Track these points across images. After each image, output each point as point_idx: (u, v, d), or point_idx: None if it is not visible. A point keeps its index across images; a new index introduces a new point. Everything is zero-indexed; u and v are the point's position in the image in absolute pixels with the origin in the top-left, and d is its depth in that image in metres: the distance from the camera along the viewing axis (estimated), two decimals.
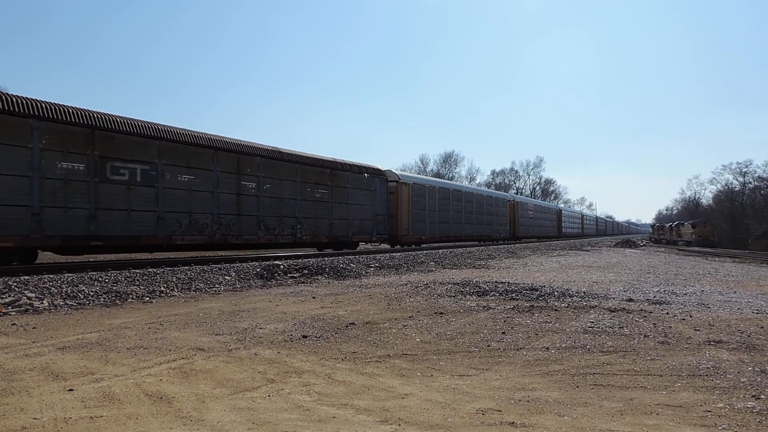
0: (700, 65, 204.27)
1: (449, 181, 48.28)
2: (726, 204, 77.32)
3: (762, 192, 70.12)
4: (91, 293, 8.11)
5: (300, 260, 13.69)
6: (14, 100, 11.56)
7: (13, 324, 6.00)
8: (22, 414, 3.10)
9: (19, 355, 4.53)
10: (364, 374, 4.16)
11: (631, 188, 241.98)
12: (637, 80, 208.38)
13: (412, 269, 14.33)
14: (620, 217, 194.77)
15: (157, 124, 14.80)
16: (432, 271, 14.12)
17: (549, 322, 6.24)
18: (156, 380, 3.84)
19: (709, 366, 4.29)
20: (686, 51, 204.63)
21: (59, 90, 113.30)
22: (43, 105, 12.02)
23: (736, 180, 77.97)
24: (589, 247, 34.09)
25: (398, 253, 18.82)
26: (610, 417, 3.16)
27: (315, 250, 20.63)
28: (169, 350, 4.80)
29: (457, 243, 32.65)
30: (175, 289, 9.13)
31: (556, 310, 7.12)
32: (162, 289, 9.02)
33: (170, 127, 15.19)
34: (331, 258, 15.85)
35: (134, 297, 8.26)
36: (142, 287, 8.96)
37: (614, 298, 8.33)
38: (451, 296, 8.43)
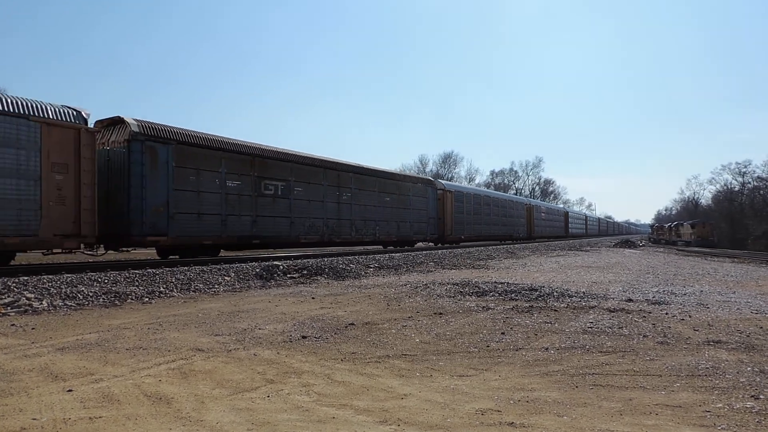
0: (699, 65, 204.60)
1: (481, 188, 56.85)
2: (725, 204, 77.39)
3: (761, 192, 70.19)
4: (91, 294, 8.10)
5: (299, 261, 13.69)
6: (212, 138, 16.12)
7: (13, 324, 5.99)
8: (21, 414, 3.10)
9: (19, 356, 4.53)
10: (363, 375, 4.16)
11: (630, 188, 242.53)
12: (636, 80, 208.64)
13: (411, 270, 14.33)
14: (619, 217, 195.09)
15: (289, 151, 19.27)
16: (431, 271, 14.12)
17: (548, 323, 6.24)
18: (155, 381, 3.84)
19: (708, 366, 4.29)
20: (685, 51, 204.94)
21: (49, 85, 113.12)
22: (226, 141, 16.50)
23: (735, 180, 78.10)
24: (588, 248, 34.12)
25: (397, 254, 18.85)
26: (609, 417, 3.16)
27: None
28: (169, 351, 4.80)
29: (487, 242, 37.43)
30: (175, 290, 9.13)
31: (555, 310, 7.12)
32: (161, 289, 9.02)
33: (297, 152, 19.83)
34: (330, 258, 15.86)
35: (133, 297, 8.26)
36: (141, 288, 8.95)
37: (613, 299, 8.33)
38: (450, 297, 8.43)
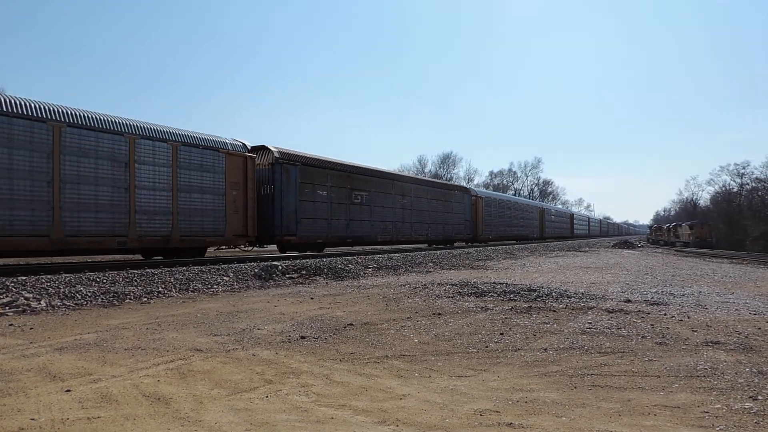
0: (699, 65, 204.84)
1: (504, 194, 64.14)
2: (723, 205, 77.47)
3: (759, 193, 70.28)
4: (89, 294, 8.10)
5: (298, 261, 13.69)
6: (322, 159, 20.71)
7: (11, 324, 5.99)
8: (19, 415, 3.10)
9: (17, 356, 4.53)
10: (362, 375, 4.16)
11: (629, 189, 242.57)
12: (636, 80, 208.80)
13: (410, 270, 14.33)
14: (618, 218, 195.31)
15: (369, 167, 24.43)
16: (430, 271, 14.12)
17: (547, 323, 6.25)
18: (154, 381, 3.84)
19: (706, 367, 4.29)
20: (685, 51, 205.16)
21: (47, 86, 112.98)
22: (330, 161, 21.20)
23: (734, 181, 78.22)
24: (587, 248, 34.14)
25: (396, 254, 18.87)
26: (608, 418, 3.16)
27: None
28: (167, 351, 4.80)
29: (508, 241, 42.48)
30: (173, 290, 9.12)
31: (554, 311, 7.13)
32: (160, 289, 9.01)
33: (374, 167, 25.23)
34: (329, 258, 15.86)
35: (132, 297, 8.25)
36: (139, 288, 8.94)
37: (612, 299, 8.34)
38: (449, 297, 8.44)
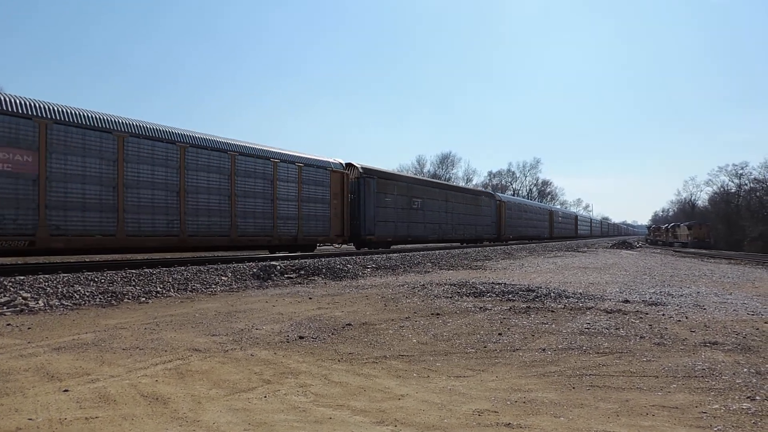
0: (698, 66, 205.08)
1: (521, 199, 69.09)
2: (722, 206, 77.55)
3: (758, 194, 70.34)
4: (87, 293, 8.08)
5: (297, 260, 13.69)
6: (391, 172, 27.26)
7: (9, 324, 5.97)
8: (16, 415, 3.09)
9: (14, 356, 4.52)
10: (360, 375, 4.16)
11: (628, 189, 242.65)
12: (636, 80, 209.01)
13: (408, 270, 14.33)
14: (616, 218, 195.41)
15: (422, 177, 36.43)
16: (429, 272, 14.12)
17: (545, 323, 6.25)
18: (152, 381, 3.84)
19: (704, 367, 4.30)
20: (685, 51, 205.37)
21: (46, 86, 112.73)
22: (397, 174, 27.68)
23: (732, 182, 78.26)
24: (586, 249, 34.16)
25: (395, 254, 18.87)
26: (606, 418, 3.17)
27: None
28: (165, 351, 4.79)
29: (523, 241, 46.66)
30: (172, 290, 9.11)
31: (552, 311, 7.13)
32: (158, 289, 9.00)
33: (425, 178, 37.35)
34: (327, 258, 15.85)
35: (130, 297, 8.24)
36: (138, 287, 8.93)
37: (610, 300, 8.35)
38: (447, 297, 8.44)
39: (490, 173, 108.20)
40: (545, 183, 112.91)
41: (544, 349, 4.99)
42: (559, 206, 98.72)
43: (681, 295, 9.18)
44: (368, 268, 13.95)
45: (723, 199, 78.69)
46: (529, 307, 7.44)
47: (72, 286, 8.42)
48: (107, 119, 12.93)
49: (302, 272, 12.01)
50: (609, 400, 3.53)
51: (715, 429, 2.98)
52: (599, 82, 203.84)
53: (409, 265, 15.50)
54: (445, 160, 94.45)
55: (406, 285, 10.16)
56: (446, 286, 9.66)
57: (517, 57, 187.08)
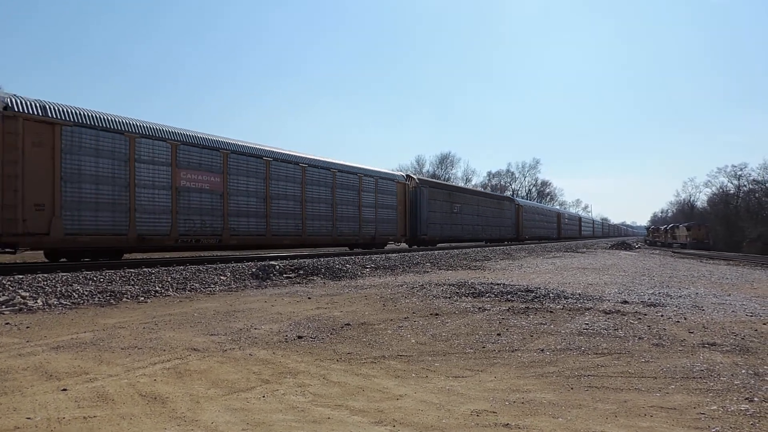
0: (698, 67, 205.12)
1: (535, 202, 75.15)
2: (721, 207, 77.56)
3: (756, 195, 70.41)
4: (86, 293, 8.08)
5: (296, 260, 13.69)
6: (438, 182, 38.71)
7: (7, 323, 5.97)
8: (15, 414, 3.09)
9: (13, 355, 4.52)
10: (359, 375, 4.16)
11: (627, 190, 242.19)
12: (636, 81, 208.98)
13: (407, 270, 14.33)
14: (615, 219, 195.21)
15: (461, 186, 54.40)
16: (427, 272, 14.13)
17: (544, 324, 6.25)
18: (150, 380, 3.83)
19: (702, 368, 4.30)
20: (684, 52, 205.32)
21: (45, 87, 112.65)
22: (442, 183, 40.04)
23: (731, 183, 78.25)
24: (584, 249, 34.18)
25: (394, 254, 18.87)
26: (604, 419, 3.17)
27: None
28: (164, 350, 4.79)
29: (537, 240, 51.16)
30: (170, 289, 9.11)
31: (551, 311, 7.14)
32: (157, 288, 9.00)
33: (462, 186, 58.77)
34: (327, 258, 15.86)
35: (129, 297, 8.24)
36: (137, 287, 8.93)
37: (609, 300, 8.35)
38: (446, 297, 8.44)
39: (489, 173, 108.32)
40: (544, 183, 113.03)
41: (542, 350, 5.00)
42: (558, 206, 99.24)
43: (680, 296, 9.19)
44: (367, 268, 13.95)
45: (722, 201, 78.73)
46: (527, 307, 7.44)
47: (71, 285, 8.41)
48: (259, 149, 18.38)
49: (301, 272, 12.01)
50: (607, 400, 3.53)
51: (713, 430, 2.98)
52: (599, 82, 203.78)
53: (408, 265, 15.50)
54: (445, 161, 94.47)
55: (405, 285, 10.16)
56: (445, 287, 9.66)
57: (516, 57, 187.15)
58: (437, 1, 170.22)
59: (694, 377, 4.07)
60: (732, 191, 78.03)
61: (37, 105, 12.01)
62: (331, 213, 21.25)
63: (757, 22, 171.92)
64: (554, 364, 4.50)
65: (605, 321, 6.44)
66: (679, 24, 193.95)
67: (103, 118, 13.41)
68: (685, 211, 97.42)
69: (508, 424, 3.07)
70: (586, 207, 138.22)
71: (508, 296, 8.53)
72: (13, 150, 11.42)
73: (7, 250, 11.98)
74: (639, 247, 45.42)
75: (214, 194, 16.06)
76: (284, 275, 11.61)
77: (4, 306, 6.96)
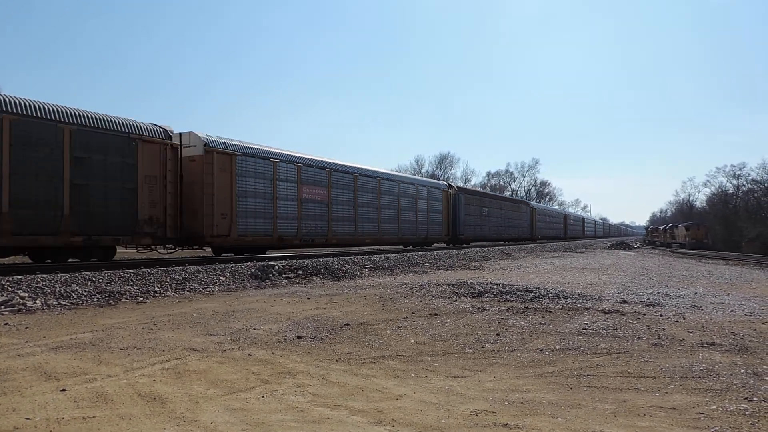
0: (695, 67, 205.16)
1: (546, 205, 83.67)
2: (720, 206, 77.58)
3: (755, 195, 70.43)
4: (85, 293, 8.07)
5: (295, 261, 13.68)
6: (471, 189, 47.95)
7: (6, 324, 5.97)
8: (14, 414, 3.09)
9: (12, 355, 4.51)
10: (358, 375, 4.16)
11: (627, 190, 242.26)
12: (632, 82, 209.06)
13: (406, 270, 14.33)
14: (614, 219, 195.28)
15: (488, 192, 56.74)
16: (427, 272, 14.13)
17: (543, 324, 6.26)
18: (149, 381, 3.83)
19: (702, 368, 4.31)
20: (683, 53, 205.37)
21: (43, 86, 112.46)
22: (471, 189, 46.47)
23: (730, 183, 78.25)
24: (584, 249, 34.21)
25: (393, 254, 18.87)
26: (604, 419, 3.17)
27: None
28: (163, 351, 4.79)
29: (548, 240, 55.87)
30: (169, 290, 9.10)
31: (550, 311, 7.14)
32: (156, 289, 8.99)
33: (490, 193, 56.33)
34: (326, 259, 15.86)
35: (128, 297, 8.24)
36: (135, 287, 8.93)
37: (608, 300, 8.36)
38: (445, 297, 8.44)
39: (488, 173, 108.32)
40: (543, 183, 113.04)
41: (541, 350, 5.00)
42: (557, 206, 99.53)
43: (679, 296, 9.20)
44: (366, 268, 13.95)
45: (721, 200, 78.75)
46: (527, 307, 7.44)
47: (69, 286, 8.41)
48: (349, 166, 23.07)
49: (300, 272, 12.01)
50: (606, 400, 3.53)
51: (713, 430, 2.99)
52: (598, 82, 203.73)
53: (407, 265, 15.50)
54: (444, 161, 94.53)
55: (404, 285, 10.16)
56: (444, 287, 9.67)
57: (516, 57, 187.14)
58: (437, 1, 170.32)
59: (693, 377, 4.07)
60: (731, 191, 78.08)
61: (221, 141, 16.44)
62: (396, 217, 26.25)
63: (757, 22, 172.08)
64: (553, 364, 4.50)
65: (604, 321, 6.44)
66: (678, 24, 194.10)
67: (258, 149, 17.91)
68: (684, 211, 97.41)
69: (507, 424, 3.07)
70: (585, 207, 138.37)
71: (507, 296, 8.53)
72: (209, 174, 15.66)
73: (194, 246, 16.70)
74: (638, 247, 45.44)
75: (322, 204, 20.57)
76: (283, 275, 11.61)
77: (3, 306, 6.95)
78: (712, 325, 6.27)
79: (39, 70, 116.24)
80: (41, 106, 11.91)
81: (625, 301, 8.25)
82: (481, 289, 9.22)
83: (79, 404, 3.29)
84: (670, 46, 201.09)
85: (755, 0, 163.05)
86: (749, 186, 73.27)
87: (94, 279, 9.22)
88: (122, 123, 13.56)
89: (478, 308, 7.34)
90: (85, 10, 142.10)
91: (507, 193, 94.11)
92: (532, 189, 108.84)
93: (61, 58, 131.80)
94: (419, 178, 32.94)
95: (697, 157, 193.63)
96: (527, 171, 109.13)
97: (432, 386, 3.88)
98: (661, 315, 6.96)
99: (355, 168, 23.52)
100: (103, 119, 13.18)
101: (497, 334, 5.69)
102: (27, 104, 11.65)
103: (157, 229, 14.10)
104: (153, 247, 15.07)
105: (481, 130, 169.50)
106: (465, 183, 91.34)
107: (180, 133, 15.38)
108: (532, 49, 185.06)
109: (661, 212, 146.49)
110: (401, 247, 27.65)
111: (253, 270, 11.66)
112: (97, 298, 7.95)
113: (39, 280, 8.68)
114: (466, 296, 8.59)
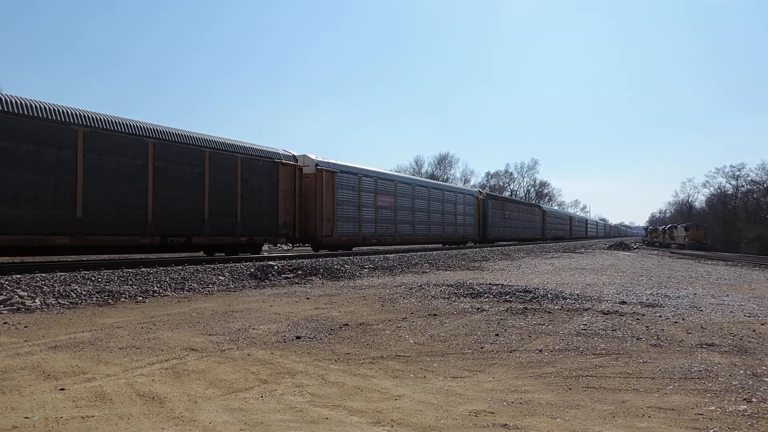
0: (695, 67, 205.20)
1: (554, 208, 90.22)
2: (719, 207, 77.62)
3: (754, 195, 70.51)
4: (84, 292, 8.07)
5: (294, 261, 13.68)
6: (496, 195, 53.26)
7: (5, 323, 5.96)
8: (13, 413, 3.08)
9: (11, 354, 4.51)
10: (357, 375, 4.16)
11: (626, 190, 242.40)
12: (632, 82, 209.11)
13: (406, 271, 14.33)
14: (613, 219, 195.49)
15: (508, 197, 67.78)
16: (426, 272, 14.13)
17: (542, 324, 6.26)
18: (148, 380, 3.83)
19: (701, 369, 4.31)
20: (683, 54, 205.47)
21: (42, 86, 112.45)
22: (494, 195, 50.89)
23: (729, 183, 78.29)
24: (583, 250, 34.21)
25: (392, 255, 18.87)
26: (602, 419, 3.17)
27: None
28: (162, 350, 4.79)
29: (553, 240, 60.42)
30: (169, 289, 9.10)
31: (549, 312, 7.14)
32: (155, 288, 8.99)
33: (510, 197, 69.52)
34: (325, 259, 15.85)
35: (127, 296, 8.23)
36: (135, 287, 8.92)
37: (607, 301, 8.36)
38: (444, 298, 8.44)
39: (487, 174, 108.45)
40: (543, 184, 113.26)
41: (540, 350, 5.00)
42: (556, 206, 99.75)
43: (678, 297, 9.20)
44: (366, 268, 13.95)
45: (720, 201, 78.79)
46: (526, 308, 7.44)
47: (69, 285, 8.40)
48: (407, 177, 30.05)
49: (299, 272, 12.00)
50: (605, 401, 3.53)
51: (711, 430, 2.99)
52: (597, 82, 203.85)
53: (407, 265, 15.50)
54: (443, 161, 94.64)
55: (403, 286, 10.16)
56: (443, 287, 9.67)
57: (515, 57, 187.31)
58: (436, 1, 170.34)
59: (692, 378, 4.08)
60: (730, 192, 78.13)
61: (326, 162, 21.13)
62: (441, 220, 31.29)
63: (757, 22, 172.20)
64: (552, 365, 4.50)
65: (603, 321, 6.44)
66: (678, 24, 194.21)
67: (347, 166, 22.53)
68: (684, 211, 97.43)
69: (506, 424, 3.07)
70: (584, 207, 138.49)
71: (507, 297, 8.53)
72: (320, 188, 20.27)
73: (306, 245, 21.73)
74: (637, 248, 45.45)
75: (390, 210, 25.76)
76: (282, 275, 11.60)
77: (2, 305, 6.95)
78: (711, 326, 6.27)
79: (39, 70, 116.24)
80: (224, 142, 16.64)
81: (624, 302, 8.25)
82: (480, 290, 9.22)
83: (77, 404, 3.29)
84: (670, 46, 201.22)
85: (755, 0, 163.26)
86: (748, 187, 73.35)
87: (93, 278, 9.21)
88: (270, 151, 18.42)
89: (477, 309, 7.34)
90: (85, 10, 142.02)
91: (506, 194, 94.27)
92: (531, 189, 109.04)
93: (61, 58, 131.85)
94: (458, 186, 40.81)
95: (697, 158, 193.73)
96: (526, 171, 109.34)
97: (431, 386, 3.88)
98: (660, 316, 6.97)
99: (413, 179, 30.94)
100: (259, 150, 17.96)
101: (496, 335, 5.69)
102: (216, 141, 16.34)
103: (288, 231, 18.94)
104: (284, 244, 21.15)
105: (480, 131, 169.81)
106: (464, 183, 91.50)
107: (295, 155, 19.91)
108: (532, 49, 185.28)
109: (660, 213, 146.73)
110: (440, 245, 32.70)
111: (252, 270, 11.66)
112: (96, 297, 7.94)
113: (38, 279, 8.68)
114: (465, 297, 8.59)
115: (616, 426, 3.06)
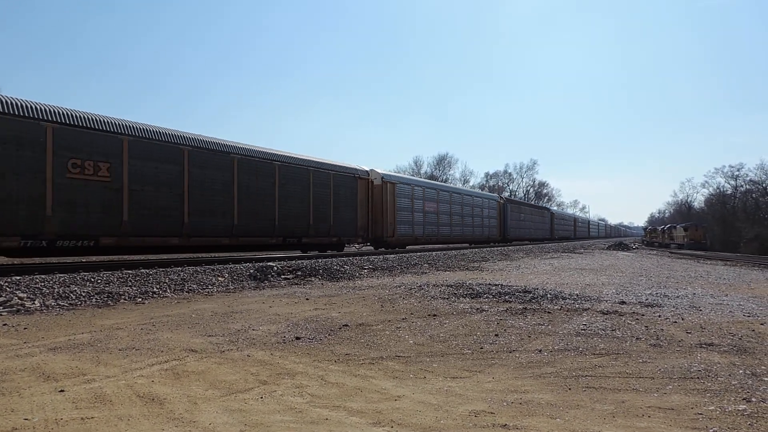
0: (695, 68, 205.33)
1: (559, 209, 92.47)
2: (718, 207, 77.72)
3: (753, 195, 70.61)
4: (83, 294, 8.07)
5: (293, 261, 13.68)
6: (515, 200, 58.56)
7: (4, 324, 5.96)
8: (12, 415, 3.08)
9: (10, 356, 4.50)
10: (357, 376, 4.16)
11: (625, 191, 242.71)
12: (631, 83, 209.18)
13: (405, 271, 14.33)
14: (613, 219, 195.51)
15: (523, 201, 69.04)
16: (425, 273, 14.13)
17: (542, 325, 6.26)
18: (148, 381, 3.83)
19: (700, 369, 4.31)
20: (683, 54, 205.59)
21: (42, 86, 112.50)
22: (510, 199, 53.04)
23: (728, 183, 78.44)
24: (582, 250, 34.22)
25: (392, 255, 18.88)
26: (602, 419, 3.17)
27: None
28: (161, 351, 4.78)
29: (560, 240, 64.14)
30: (168, 290, 9.10)
31: (548, 312, 7.14)
32: (154, 290, 8.98)
33: (524, 201, 71.78)
34: (325, 259, 15.85)
35: (126, 298, 8.23)
36: (134, 288, 8.92)
37: (607, 301, 8.36)
38: (444, 298, 8.44)
39: (487, 174, 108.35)
40: (542, 184, 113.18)
41: (540, 350, 5.00)
42: (556, 207, 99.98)
43: (677, 297, 9.21)
44: (365, 269, 13.95)
45: (719, 201, 78.88)
46: (525, 308, 7.44)
47: (68, 287, 8.40)
48: (447, 186, 39.75)
49: (299, 273, 12.00)
50: (605, 401, 3.53)
51: (711, 430, 2.99)
52: (597, 83, 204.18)
53: (406, 266, 15.50)
54: (442, 161, 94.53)
55: (402, 286, 10.16)
56: (443, 288, 9.67)
57: (515, 58, 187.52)
58: (436, 1, 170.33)
59: (691, 377, 4.08)
60: (729, 192, 78.23)
61: (389, 174, 26.07)
62: (471, 223, 36.09)
63: (757, 22, 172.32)
64: (552, 365, 4.50)
65: (603, 321, 6.44)
66: (678, 24, 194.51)
67: (401, 177, 28.70)
68: (683, 211, 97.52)
69: (505, 424, 3.07)
70: (583, 208, 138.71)
71: (506, 297, 8.54)
72: (385, 196, 24.64)
73: (367, 244, 25.91)
74: (636, 248, 45.46)
75: (434, 214, 30.18)
76: (282, 276, 11.60)
77: (1, 307, 6.94)
78: (710, 326, 6.28)
79: (39, 70, 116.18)
80: (320, 161, 20.64)
81: (623, 302, 8.26)
82: (480, 290, 9.23)
83: (77, 405, 3.28)
84: (670, 46, 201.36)
85: (755, 0, 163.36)
86: (747, 187, 73.47)
87: (92, 280, 9.20)
88: (350, 168, 22.71)
89: (477, 309, 7.34)
90: (85, 10, 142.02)
91: (506, 194, 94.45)
92: (531, 190, 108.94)
93: (61, 58, 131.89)
94: (484, 192, 47.28)
95: (696, 158, 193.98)
96: (525, 172, 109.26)
97: (431, 387, 3.88)
98: (659, 316, 6.97)
99: (451, 187, 36.77)
100: (343, 167, 22.12)
101: (496, 335, 5.69)
102: (316, 161, 20.29)
103: (364, 233, 23.49)
104: (357, 244, 25.33)
105: (479, 131, 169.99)
106: (464, 184, 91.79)
107: (367, 170, 24.08)
108: (532, 49, 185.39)
109: (659, 213, 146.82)
110: (467, 244, 36.83)
111: (251, 271, 11.65)
112: (96, 298, 7.94)
113: (38, 280, 8.67)
114: (464, 297, 8.59)
115: (615, 426, 3.06)
